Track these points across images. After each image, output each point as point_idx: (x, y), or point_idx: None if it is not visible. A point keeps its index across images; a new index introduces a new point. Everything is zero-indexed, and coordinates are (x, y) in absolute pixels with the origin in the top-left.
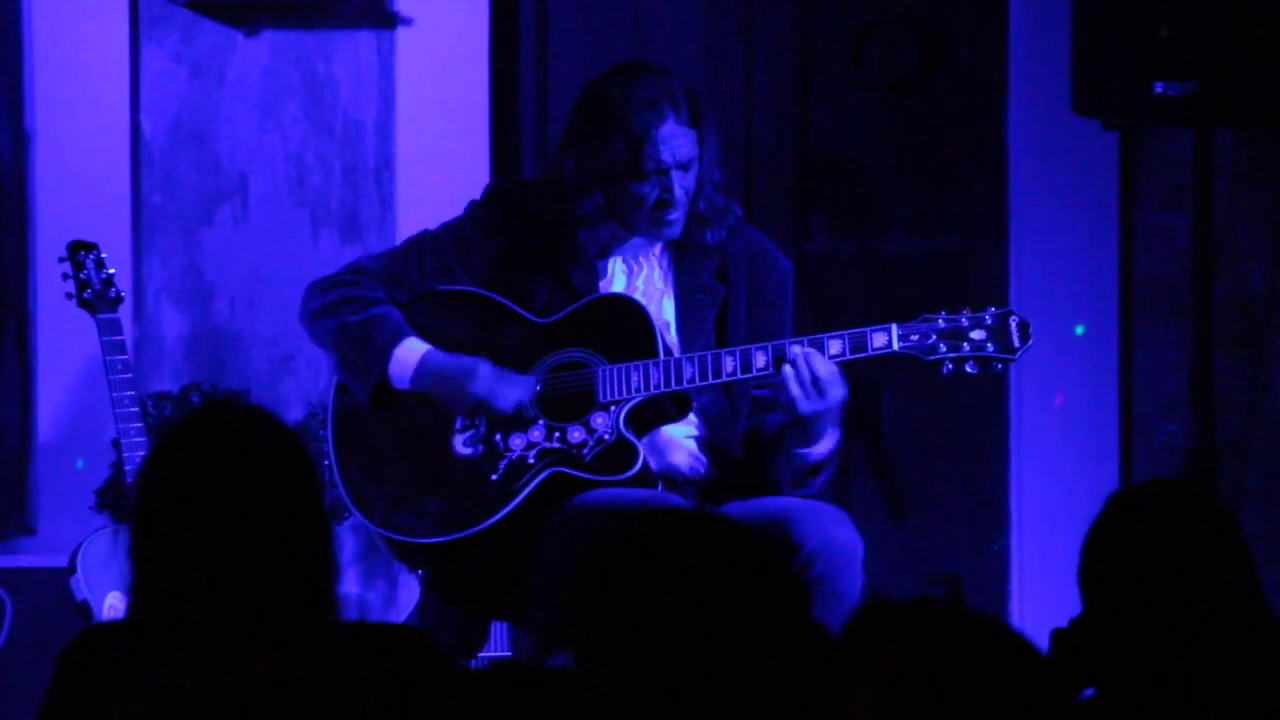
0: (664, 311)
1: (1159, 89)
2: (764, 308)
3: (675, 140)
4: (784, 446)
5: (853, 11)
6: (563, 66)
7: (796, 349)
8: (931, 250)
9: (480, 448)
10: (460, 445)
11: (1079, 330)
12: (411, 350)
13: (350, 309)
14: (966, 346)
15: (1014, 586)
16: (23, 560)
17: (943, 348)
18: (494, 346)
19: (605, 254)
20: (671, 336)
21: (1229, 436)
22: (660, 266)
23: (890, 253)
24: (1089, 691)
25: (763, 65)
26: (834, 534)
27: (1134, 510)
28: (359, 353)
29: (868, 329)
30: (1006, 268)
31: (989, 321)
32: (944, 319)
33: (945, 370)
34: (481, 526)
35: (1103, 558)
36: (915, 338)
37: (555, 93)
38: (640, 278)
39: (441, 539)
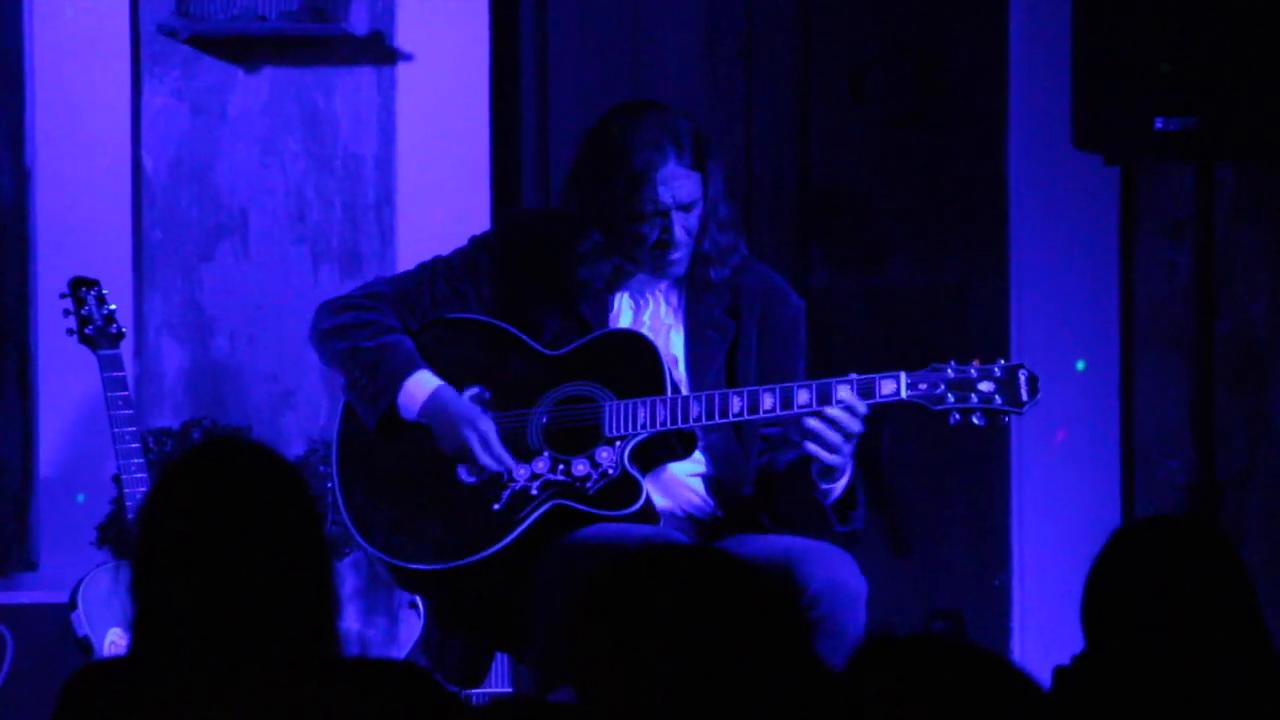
0: (672, 346)
1: (1159, 124)
2: (776, 346)
3: (676, 181)
4: (811, 482)
5: (853, 46)
6: (563, 101)
7: (834, 409)
8: (932, 284)
9: (484, 475)
10: (464, 473)
11: (1080, 365)
12: (422, 384)
13: (364, 334)
14: (974, 398)
15: (1015, 622)
16: (24, 596)
17: (950, 398)
18: (503, 376)
19: (613, 288)
20: (680, 372)
21: (1231, 471)
22: (668, 303)
23: (891, 287)
24: None
25: (763, 99)
26: (839, 576)
27: (1136, 546)
28: (369, 379)
29: (876, 376)
30: (1007, 302)
31: (998, 374)
32: (953, 369)
33: (952, 420)
34: (481, 555)
35: (1105, 593)
36: (923, 387)
37: (556, 128)
38: (647, 313)
39: (440, 566)
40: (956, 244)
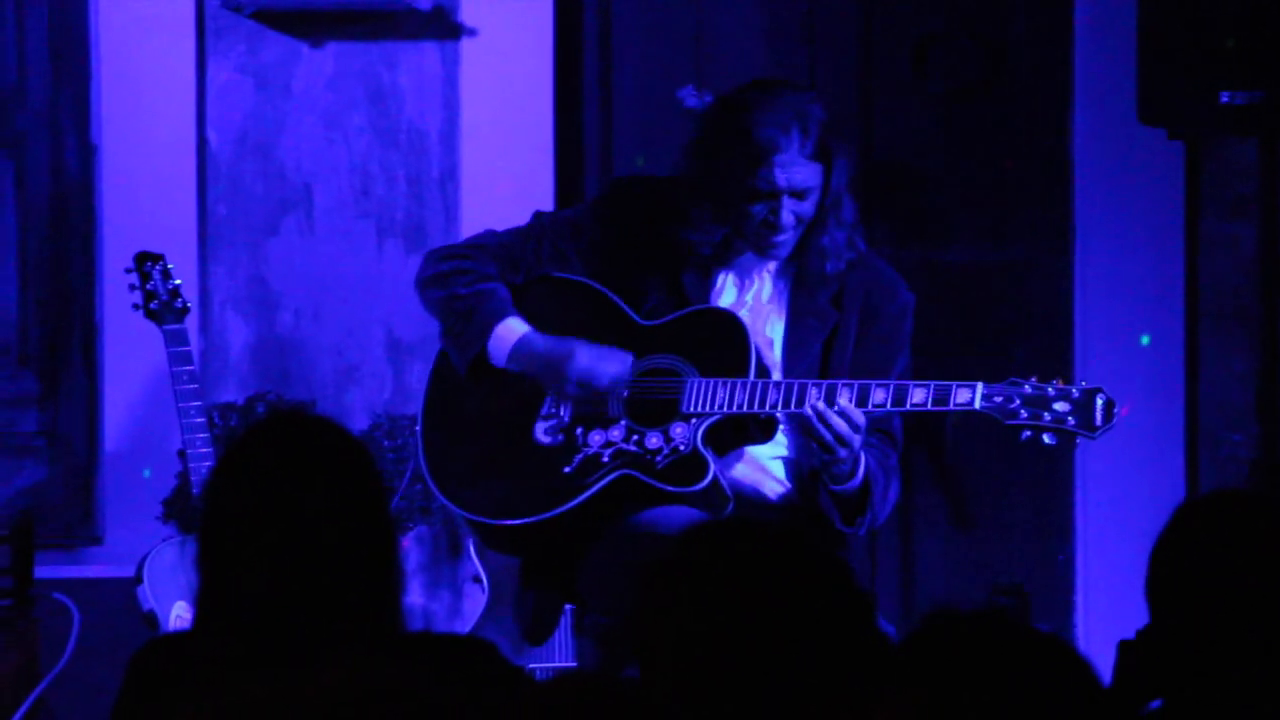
0: (770, 329)
1: (1225, 98)
2: (875, 340)
3: (793, 167)
4: (821, 481)
5: (915, 22)
6: (626, 77)
7: (817, 406)
8: (995, 261)
9: (560, 438)
10: (541, 433)
11: (1144, 340)
12: (512, 329)
13: (460, 281)
14: (1048, 416)
15: (1079, 598)
16: (90, 570)
17: (1024, 414)
18: (596, 340)
19: (719, 263)
20: (775, 355)
21: None
22: (773, 285)
23: (954, 263)
24: (1156, 703)
25: (825, 76)
26: None
27: (1201, 521)
28: (462, 325)
29: (953, 384)
30: (1071, 278)
31: (1075, 395)
32: (1031, 385)
33: (1023, 437)
34: (545, 515)
35: (1169, 568)
36: (998, 399)
37: (618, 103)
38: (750, 293)
39: (502, 522)
40: (1019, 220)
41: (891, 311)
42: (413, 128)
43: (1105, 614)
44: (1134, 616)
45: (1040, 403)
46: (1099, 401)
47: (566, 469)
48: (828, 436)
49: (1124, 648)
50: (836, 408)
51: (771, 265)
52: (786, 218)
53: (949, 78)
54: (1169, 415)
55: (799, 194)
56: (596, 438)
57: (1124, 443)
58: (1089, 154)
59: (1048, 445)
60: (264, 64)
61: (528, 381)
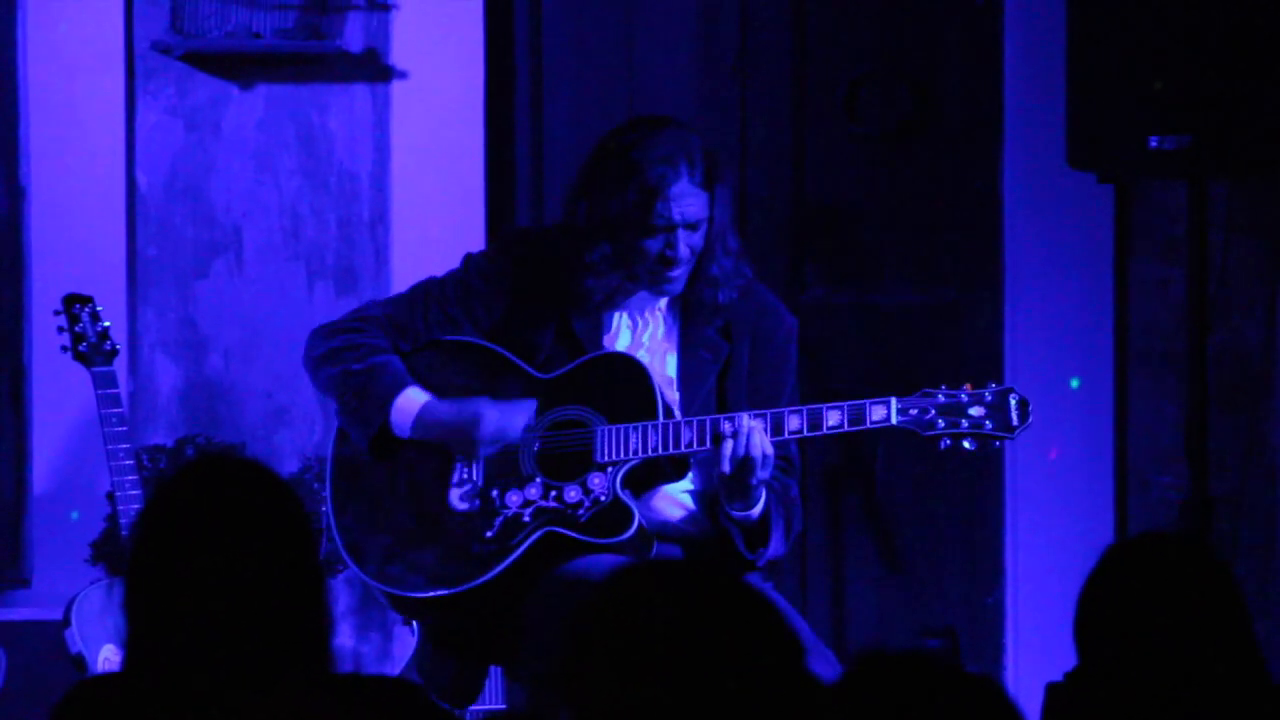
0: (667, 368)
1: (1153, 142)
2: (766, 365)
3: (686, 199)
4: (720, 503)
5: (847, 63)
6: (557, 118)
7: (742, 421)
8: (926, 302)
9: (476, 503)
10: (456, 500)
11: (1074, 383)
12: (412, 400)
13: (353, 356)
14: (965, 423)
15: (1009, 639)
16: (17, 613)
17: (941, 424)
18: (494, 400)
19: (611, 306)
20: (673, 393)
21: (1224, 489)
22: (665, 322)
23: (885, 304)
24: None
25: (757, 116)
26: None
27: (1129, 563)
28: (359, 401)
29: (867, 402)
30: (1001, 320)
31: (988, 399)
32: (944, 394)
33: (942, 445)
34: (473, 584)
35: (1098, 611)
36: (914, 412)
37: (550, 144)
38: (645, 333)
39: (432, 594)
40: (950, 261)
41: (779, 337)
42: (343, 170)
43: (1034, 656)
44: (1063, 658)
45: (955, 410)
46: (1013, 401)
47: (488, 533)
48: (756, 454)
49: (1053, 690)
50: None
51: (663, 303)
52: (683, 251)
53: (880, 119)
54: (1098, 457)
55: (692, 225)
56: (514, 498)
57: (1054, 485)
58: (1019, 196)
59: (968, 451)
60: (194, 105)
61: (434, 449)
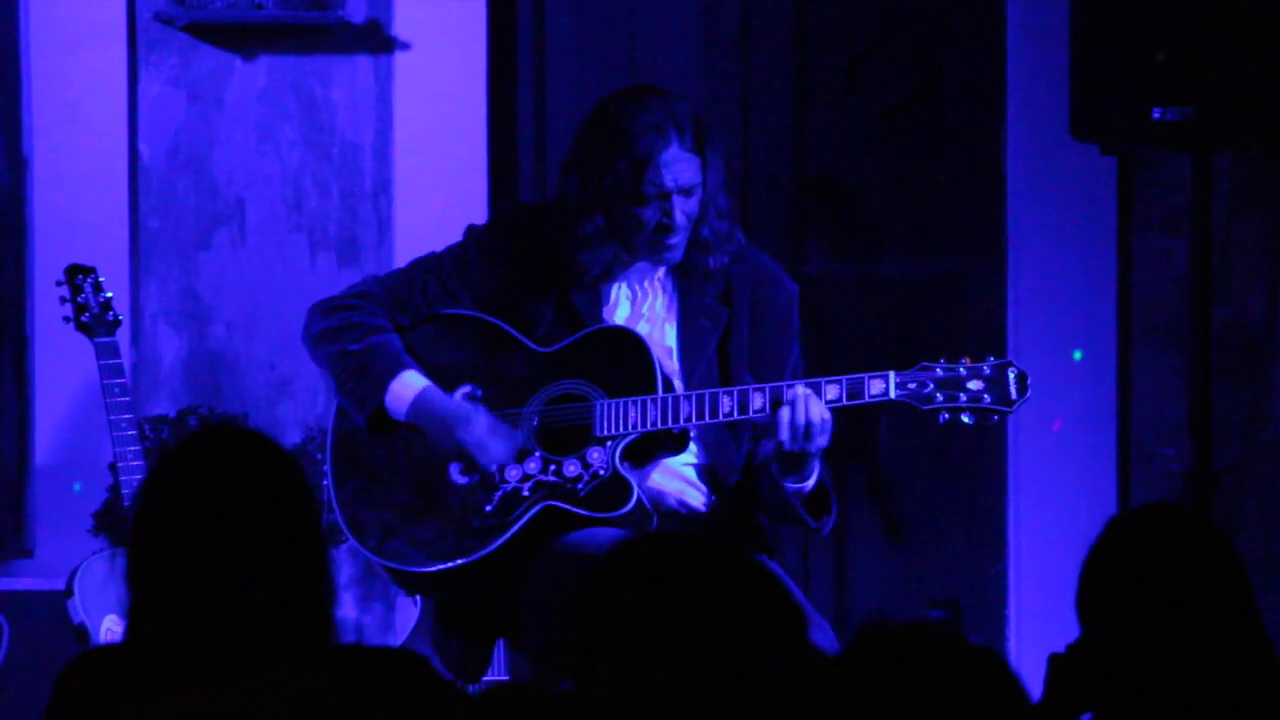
0: (666, 337)
1: (1157, 114)
2: (768, 331)
3: (678, 165)
4: (774, 477)
5: (849, 36)
6: (560, 91)
7: (798, 389)
8: (929, 274)
9: (476, 476)
10: (456, 474)
11: (1077, 355)
12: (408, 384)
13: (351, 335)
14: (963, 397)
15: (1012, 611)
16: (20, 583)
17: (939, 397)
18: (495, 375)
19: (609, 278)
20: (673, 362)
21: (1226, 462)
22: (664, 292)
23: (887, 276)
24: (1087, 716)
25: (760, 90)
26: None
27: (1132, 535)
28: (356, 381)
29: (865, 375)
30: (1004, 292)
31: (987, 372)
32: (942, 368)
33: (941, 420)
34: (473, 558)
35: (1100, 582)
36: (912, 386)
37: (553, 116)
38: (645, 304)
39: (432, 568)
40: (953, 234)
41: (780, 301)
42: (346, 141)
43: (1037, 627)
44: (1066, 630)
45: (954, 384)
46: (1011, 375)
47: (488, 507)
48: (815, 420)
49: (1055, 661)
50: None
51: (661, 272)
52: (680, 218)
53: (883, 91)
54: (1101, 429)
55: (685, 191)
56: (514, 472)
57: (1057, 457)
58: (1022, 168)
59: (967, 425)
60: (196, 77)
61: None
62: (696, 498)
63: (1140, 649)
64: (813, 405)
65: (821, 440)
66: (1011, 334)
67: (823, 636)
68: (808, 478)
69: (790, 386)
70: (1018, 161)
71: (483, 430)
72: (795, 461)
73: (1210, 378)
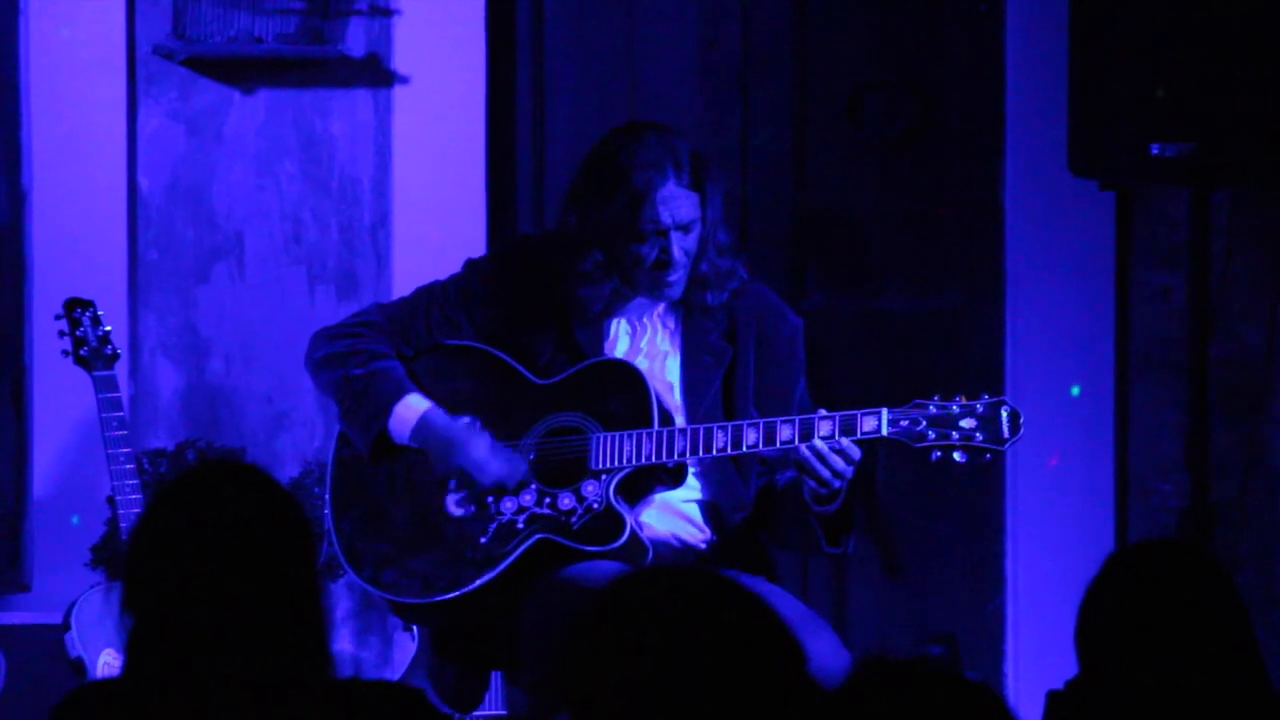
0: (668, 373)
1: (1155, 150)
2: (774, 366)
3: (675, 202)
4: (806, 506)
5: (850, 70)
6: (559, 124)
7: (819, 444)
8: (927, 309)
9: (472, 508)
10: (453, 505)
11: (1075, 391)
12: (412, 407)
13: (354, 361)
14: (955, 435)
15: (1009, 647)
16: (17, 617)
17: (931, 435)
18: (494, 406)
19: (609, 313)
20: (675, 399)
21: (1225, 497)
22: (665, 327)
23: (886, 311)
24: None
25: (760, 123)
26: (819, 664)
27: (1131, 571)
28: (359, 406)
29: (858, 412)
30: (1003, 327)
31: (980, 410)
32: (935, 405)
33: (933, 458)
34: (466, 590)
35: (1099, 618)
36: (905, 423)
37: (552, 150)
38: (644, 339)
39: (426, 600)
40: (952, 268)
41: (785, 336)
42: (345, 175)
43: (1035, 663)
44: (1064, 666)
45: (946, 422)
46: (1004, 414)
47: (483, 539)
48: (825, 474)
49: (1053, 698)
50: (835, 444)
51: (661, 307)
52: (678, 254)
53: (883, 126)
54: (1099, 465)
55: (683, 228)
56: (509, 504)
57: (1054, 492)
58: (1021, 203)
59: (959, 463)
60: (195, 110)
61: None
62: (694, 534)
63: (1139, 685)
64: (836, 459)
65: (849, 473)
66: (1010, 369)
67: (828, 642)
68: (833, 505)
69: (784, 423)
70: (1016, 196)
71: (484, 451)
72: (829, 496)
73: (1208, 412)
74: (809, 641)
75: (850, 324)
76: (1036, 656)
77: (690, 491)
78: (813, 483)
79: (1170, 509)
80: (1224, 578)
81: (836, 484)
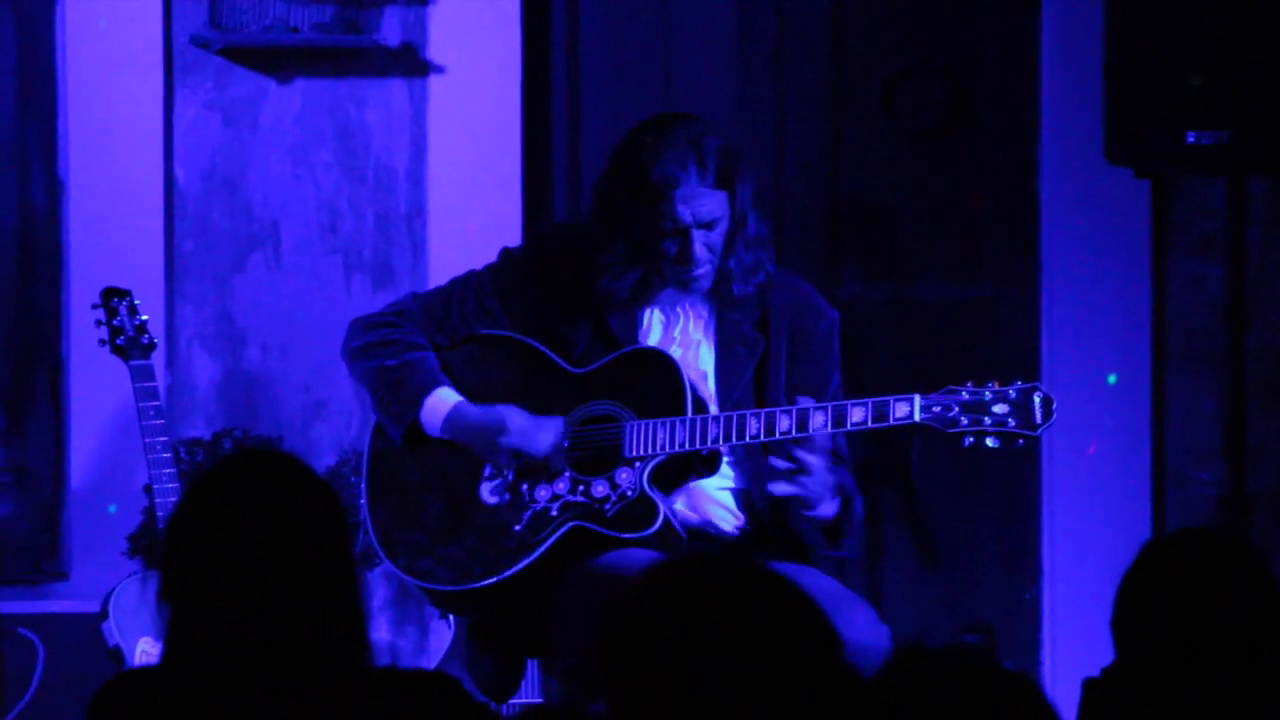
0: (701, 362)
1: (1191, 138)
2: (808, 360)
3: (697, 200)
4: (796, 510)
5: (884, 59)
6: (595, 113)
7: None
8: (963, 298)
9: (506, 496)
10: (487, 493)
11: (1111, 379)
12: (443, 400)
13: (388, 352)
14: (988, 421)
15: (1046, 635)
16: (55, 605)
17: (964, 421)
18: (529, 395)
19: (641, 302)
20: (709, 388)
21: (1262, 486)
22: (698, 316)
23: (921, 300)
24: None
25: (794, 113)
26: (857, 638)
27: (1167, 559)
28: (392, 397)
29: (891, 398)
30: (1038, 315)
31: (1013, 396)
32: (968, 392)
33: (965, 444)
34: (500, 577)
35: (1136, 606)
36: (937, 410)
37: (587, 139)
38: (677, 328)
39: (460, 587)
40: (987, 257)
41: (820, 330)
42: (380, 164)
43: (1072, 652)
44: (1100, 655)
45: (979, 408)
46: (1037, 399)
47: (517, 527)
48: (803, 492)
49: (1090, 686)
50: (799, 461)
51: (694, 297)
52: (699, 251)
53: (917, 115)
54: (1136, 453)
55: (706, 225)
56: (543, 492)
57: (1091, 481)
58: (1056, 191)
59: (992, 449)
60: (231, 100)
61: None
62: (728, 521)
63: (1175, 674)
64: (814, 480)
65: (819, 481)
66: (1046, 358)
67: (865, 617)
68: (818, 507)
69: (818, 409)
70: (1052, 185)
71: (524, 422)
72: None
73: (1245, 401)
74: (846, 617)
75: (885, 313)
76: (1073, 645)
77: (724, 479)
78: (784, 485)
79: (1208, 498)
80: (1260, 566)
81: (814, 485)
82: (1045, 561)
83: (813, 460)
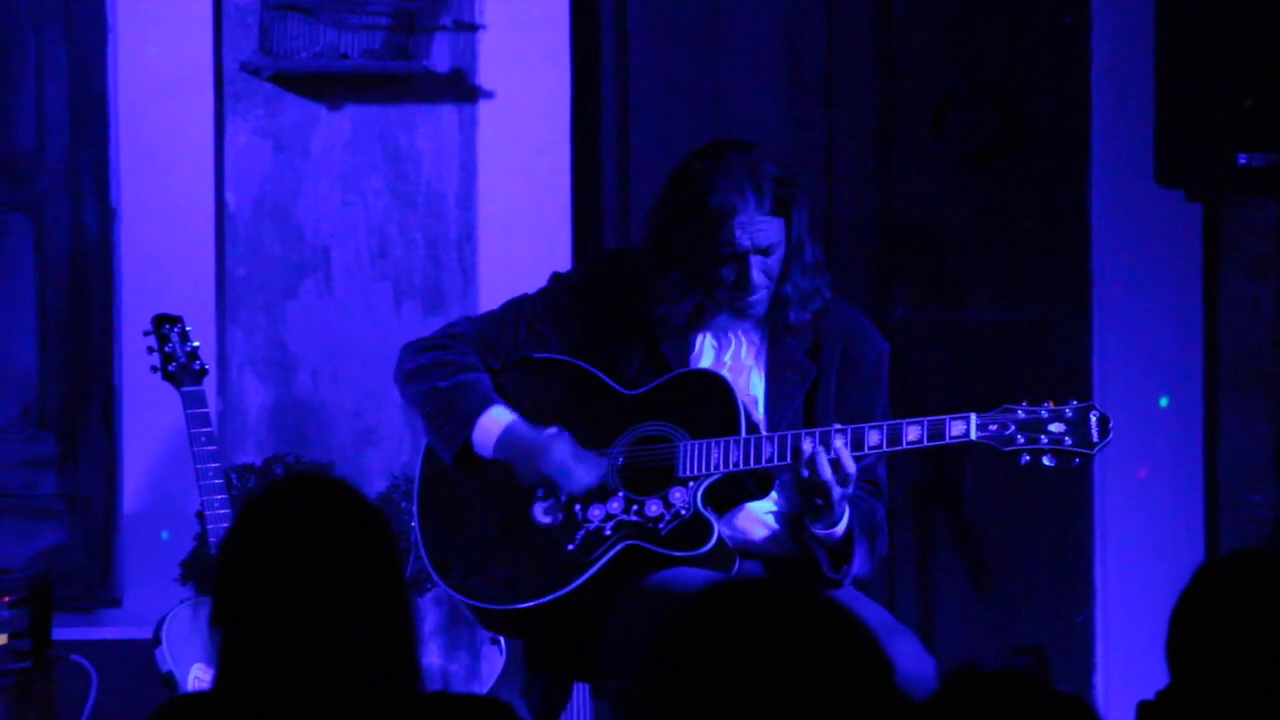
0: (752, 387)
1: (1242, 160)
2: (855, 390)
3: (754, 226)
4: (805, 522)
5: (933, 82)
6: (644, 139)
7: (816, 442)
8: (1013, 320)
9: (560, 516)
10: (540, 514)
11: (1163, 401)
12: (496, 420)
13: (441, 374)
14: (1044, 439)
15: (1099, 658)
16: (108, 632)
17: (1020, 439)
18: (582, 417)
19: (695, 328)
20: (759, 413)
21: None
22: (750, 342)
23: (972, 322)
24: None
25: (844, 136)
26: (902, 668)
27: (1222, 582)
28: (445, 418)
29: (946, 417)
30: (1089, 338)
31: (1069, 415)
32: (1024, 410)
33: (1022, 462)
34: (554, 596)
35: (1190, 630)
36: (993, 428)
37: (636, 164)
38: (729, 353)
39: (513, 606)
40: (1038, 280)
41: (869, 359)
42: (430, 190)
43: (1125, 675)
44: (1154, 678)
45: (1036, 426)
46: (1093, 418)
47: (570, 546)
48: (826, 478)
49: (1144, 709)
50: (831, 454)
51: (747, 323)
52: (757, 277)
53: (968, 138)
54: (1188, 476)
55: (763, 251)
56: (596, 512)
57: (1143, 503)
58: (1107, 214)
59: (1048, 468)
60: (282, 126)
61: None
62: (776, 544)
63: (1230, 697)
64: (820, 463)
65: (838, 493)
66: (1097, 380)
67: (910, 646)
68: (835, 524)
69: (872, 428)
70: (1103, 207)
71: (566, 456)
72: (816, 508)
73: None
74: (891, 646)
75: (936, 336)
76: (1126, 668)
77: (770, 503)
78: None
79: (1261, 520)
80: None
81: (818, 499)
82: (1098, 584)
83: (851, 469)
